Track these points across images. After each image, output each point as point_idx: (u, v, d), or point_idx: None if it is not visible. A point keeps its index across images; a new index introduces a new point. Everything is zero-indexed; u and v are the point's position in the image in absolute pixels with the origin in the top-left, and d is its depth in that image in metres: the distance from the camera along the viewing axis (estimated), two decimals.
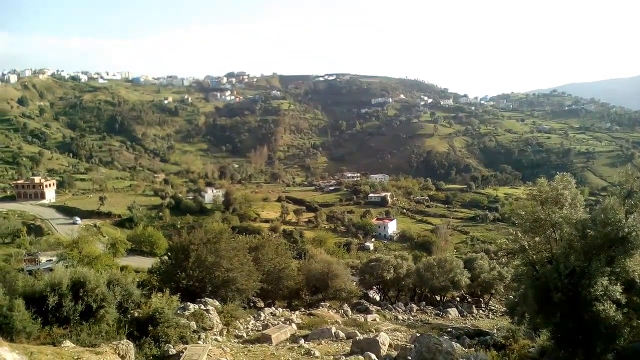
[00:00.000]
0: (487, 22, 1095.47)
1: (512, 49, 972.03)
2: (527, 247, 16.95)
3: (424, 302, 36.97)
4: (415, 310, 33.81)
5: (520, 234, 17.39)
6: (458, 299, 41.11)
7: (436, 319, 31.94)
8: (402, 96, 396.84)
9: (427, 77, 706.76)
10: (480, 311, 37.17)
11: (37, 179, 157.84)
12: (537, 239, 17.27)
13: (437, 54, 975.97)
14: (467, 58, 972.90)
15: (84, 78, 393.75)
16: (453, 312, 34.31)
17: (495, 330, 25.69)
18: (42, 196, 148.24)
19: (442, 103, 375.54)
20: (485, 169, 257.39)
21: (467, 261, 40.78)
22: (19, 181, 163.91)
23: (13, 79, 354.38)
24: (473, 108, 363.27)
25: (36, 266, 50.45)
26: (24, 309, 15.93)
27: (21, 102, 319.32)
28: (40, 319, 16.16)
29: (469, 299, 41.16)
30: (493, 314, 36.42)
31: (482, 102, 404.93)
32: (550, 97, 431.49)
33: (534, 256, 16.87)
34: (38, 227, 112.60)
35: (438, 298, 39.35)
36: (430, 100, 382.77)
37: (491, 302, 41.04)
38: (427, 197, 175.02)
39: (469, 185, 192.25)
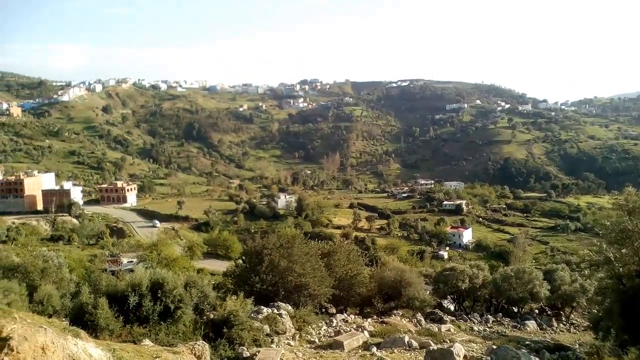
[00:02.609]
0: (568, 23, 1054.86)
1: (595, 51, 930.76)
2: (612, 259, 16.06)
3: (500, 314, 35.73)
4: (491, 322, 32.74)
5: (605, 245, 16.49)
6: (537, 311, 39.43)
7: (513, 331, 30.79)
8: (477, 101, 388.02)
9: (504, 82, 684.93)
10: (561, 325, 35.50)
11: (119, 184, 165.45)
12: (623, 250, 16.31)
13: (515, 57, 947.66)
14: (546, 61, 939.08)
15: (163, 87, 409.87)
16: (531, 324, 32.98)
17: (577, 346, 24.46)
18: (124, 200, 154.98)
19: (520, 108, 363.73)
20: (566, 177, 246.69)
21: (546, 272, 39.11)
22: (103, 185, 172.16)
23: (98, 88, 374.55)
24: (553, 114, 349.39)
25: (118, 267, 52.36)
26: (107, 307, 16.59)
27: (105, 110, 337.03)
28: (121, 318, 16.77)
29: (549, 312, 39.41)
30: (575, 329, 34.70)
31: (563, 107, 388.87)
32: (637, 102, 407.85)
33: (621, 269, 15.95)
34: (120, 230, 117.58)
35: (515, 310, 37.93)
36: (507, 106, 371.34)
37: (572, 316, 39.11)
38: (504, 206, 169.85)
39: (548, 193, 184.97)
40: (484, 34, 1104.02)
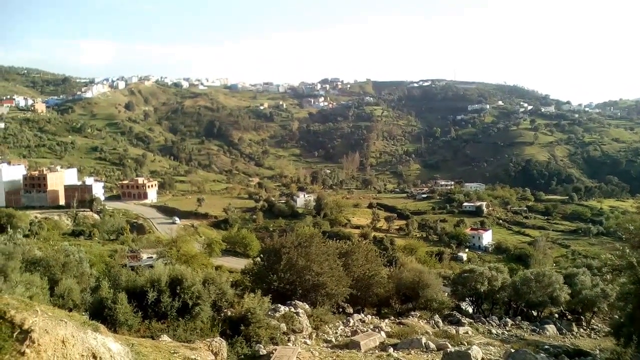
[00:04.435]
0: (594, 23, 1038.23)
1: (621, 52, 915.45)
2: (635, 264, 15.79)
3: (519, 317, 35.35)
4: (510, 325, 32.41)
5: (628, 250, 16.22)
6: (556, 315, 38.94)
7: (532, 335, 30.44)
8: (500, 102, 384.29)
9: (527, 83, 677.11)
10: (581, 330, 35.01)
11: (140, 180, 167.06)
12: None
13: (539, 58, 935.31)
14: (571, 62, 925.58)
15: (185, 84, 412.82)
16: (551, 329, 32.58)
17: (597, 351, 24.09)
18: (145, 196, 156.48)
19: (543, 110, 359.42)
20: (588, 180, 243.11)
21: (567, 276, 38.57)
22: (124, 181, 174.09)
23: (121, 85, 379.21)
24: (577, 116, 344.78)
25: (138, 263, 52.84)
26: (127, 302, 16.75)
27: (128, 107, 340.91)
28: (140, 313, 16.93)
29: (569, 316, 38.90)
30: (595, 334, 34.19)
31: (587, 109, 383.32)
32: None
33: None
34: (140, 226, 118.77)
35: (535, 313, 37.50)
36: (530, 107, 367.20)
37: (593, 321, 38.55)
38: (525, 208, 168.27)
39: (570, 196, 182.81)
40: (507, 34, 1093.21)
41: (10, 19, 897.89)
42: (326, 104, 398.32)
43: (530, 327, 32.64)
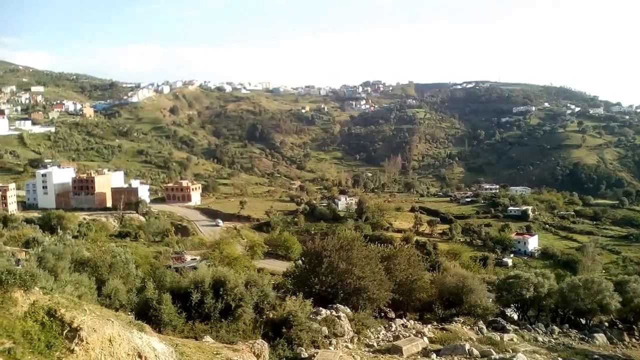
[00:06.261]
0: None
1: None
2: None
3: (567, 325, 34.39)
4: (557, 333, 31.54)
5: None
6: (606, 324, 37.71)
7: (581, 343, 29.54)
8: (546, 104, 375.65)
9: (575, 84, 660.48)
10: (633, 340, 33.79)
11: (184, 183, 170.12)
12: None
13: (587, 58, 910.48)
14: (621, 63, 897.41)
15: (228, 88, 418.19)
16: (600, 338, 31.55)
17: None
18: (189, 199, 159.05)
19: (591, 112, 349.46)
20: None
21: (618, 283, 37.30)
22: (169, 184, 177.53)
23: (166, 89, 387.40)
24: (627, 117, 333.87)
25: (182, 264, 53.63)
26: (171, 303, 17.03)
27: (172, 111, 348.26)
28: (184, 314, 17.18)
29: (620, 325, 37.61)
30: None
31: (638, 110, 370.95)
32: None
33: None
34: (184, 228, 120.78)
35: (583, 321, 36.40)
36: (577, 109, 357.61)
37: None
38: (572, 213, 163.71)
39: (621, 200, 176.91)
40: (554, 35, 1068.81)
41: (60, 27, 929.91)
42: (368, 106, 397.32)
43: (579, 335, 31.69)
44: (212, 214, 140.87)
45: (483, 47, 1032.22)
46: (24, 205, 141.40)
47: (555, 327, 32.60)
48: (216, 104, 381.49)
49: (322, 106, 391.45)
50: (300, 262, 31.35)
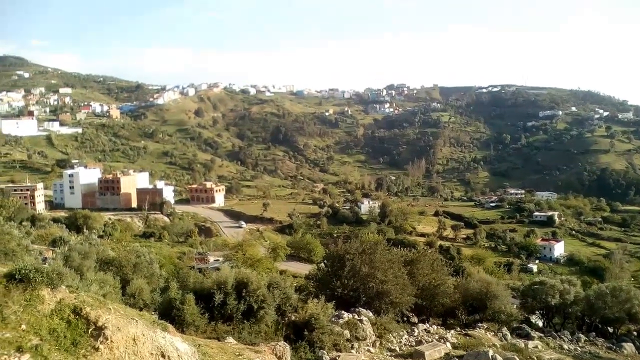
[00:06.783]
0: None
1: None
2: None
3: (593, 333, 33.75)
4: (583, 341, 30.96)
5: None
6: (635, 333, 36.96)
7: (608, 352, 28.95)
8: (573, 109, 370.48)
9: (603, 89, 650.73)
10: None
11: (208, 184, 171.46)
12: None
13: (614, 62, 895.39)
14: None
15: (252, 91, 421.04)
16: (629, 347, 30.88)
17: None
18: (213, 200, 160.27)
19: (620, 116, 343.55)
20: None
21: None
22: (193, 186, 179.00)
23: (191, 92, 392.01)
24: None
25: (205, 265, 53.92)
26: (194, 304, 17.12)
27: (197, 113, 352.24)
28: (207, 315, 17.27)
29: None
30: None
31: None
32: None
33: None
34: (208, 229, 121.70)
35: (610, 330, 35.71)
36: (606, 114, 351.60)
37: None
38: (600, 219, 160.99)
39: None
40: (582, 38, 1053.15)
41: (88, 29, 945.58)
42: (392, 109, 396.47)
43: (606, 344, 31.08)
44: (235, 216, 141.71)
45: (509, 51, 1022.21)
46: (51, 204, 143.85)
47: (581, 335, 32.03)
48: (240, 106, 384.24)
49: (346, 109, 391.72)
50: (322, 264, 31.32)
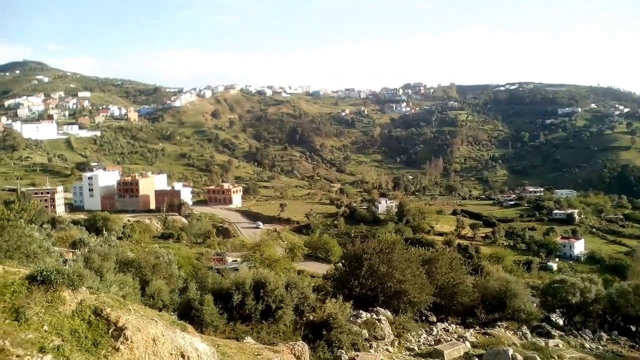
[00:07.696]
0: None
1: None
2: None
3: (615, 332, 33.30)
4: (605, 340, 30.56)
5: None
6: None
7: (631, 351, 28.54)
8: (592, 105, 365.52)
9: (624, 84, 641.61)
10: None
11: (226, 185, 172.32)
12: None
13: (634, 57, 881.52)
14: None
15: (268, 92, 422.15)
16: None
17: None
18: (230, 201, 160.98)
19: None
20: None
21: None
22: (211, 187, 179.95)
23: (208, 94, 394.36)
24: None
25: (223, 266, 54.21)
26: (213, 304, 17.23)
27: (214, 115, 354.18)
28: (225, 315, 17.36)
29: None
30: None
31: None
32: None
33: None
34: (225, 230, 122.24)
35: (633, 328, 35.21)
36: (626, 110, 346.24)
37: None
38: (621, 216, 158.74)
39: None
40: (601, 33, 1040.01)
41: (105, 34, 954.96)
42: (408, 109, 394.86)
43: (629, 342, 30.66)
44: (252, 217, 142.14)
45: (527, 49, 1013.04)
46: (71, 207, 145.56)
47: (603, 334, 31.63)
48: (257, 107, 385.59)
49: (362, 109, 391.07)
50: (340, 264, 31.28)
